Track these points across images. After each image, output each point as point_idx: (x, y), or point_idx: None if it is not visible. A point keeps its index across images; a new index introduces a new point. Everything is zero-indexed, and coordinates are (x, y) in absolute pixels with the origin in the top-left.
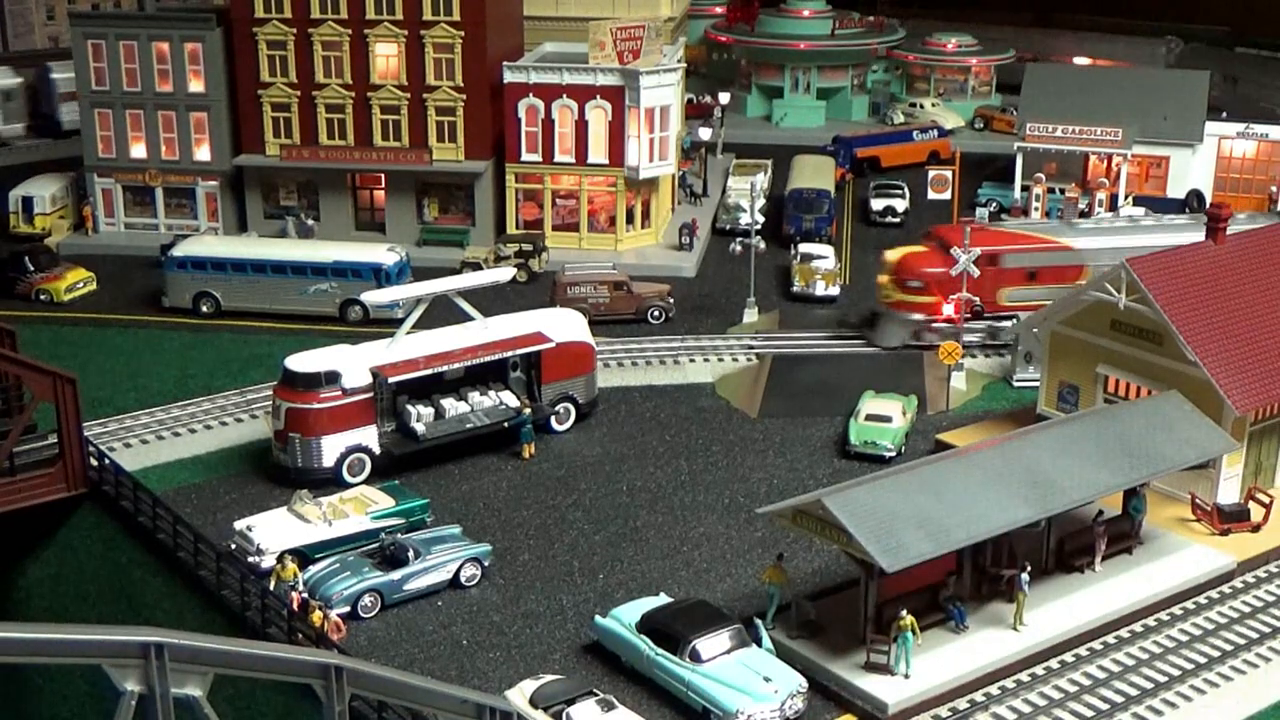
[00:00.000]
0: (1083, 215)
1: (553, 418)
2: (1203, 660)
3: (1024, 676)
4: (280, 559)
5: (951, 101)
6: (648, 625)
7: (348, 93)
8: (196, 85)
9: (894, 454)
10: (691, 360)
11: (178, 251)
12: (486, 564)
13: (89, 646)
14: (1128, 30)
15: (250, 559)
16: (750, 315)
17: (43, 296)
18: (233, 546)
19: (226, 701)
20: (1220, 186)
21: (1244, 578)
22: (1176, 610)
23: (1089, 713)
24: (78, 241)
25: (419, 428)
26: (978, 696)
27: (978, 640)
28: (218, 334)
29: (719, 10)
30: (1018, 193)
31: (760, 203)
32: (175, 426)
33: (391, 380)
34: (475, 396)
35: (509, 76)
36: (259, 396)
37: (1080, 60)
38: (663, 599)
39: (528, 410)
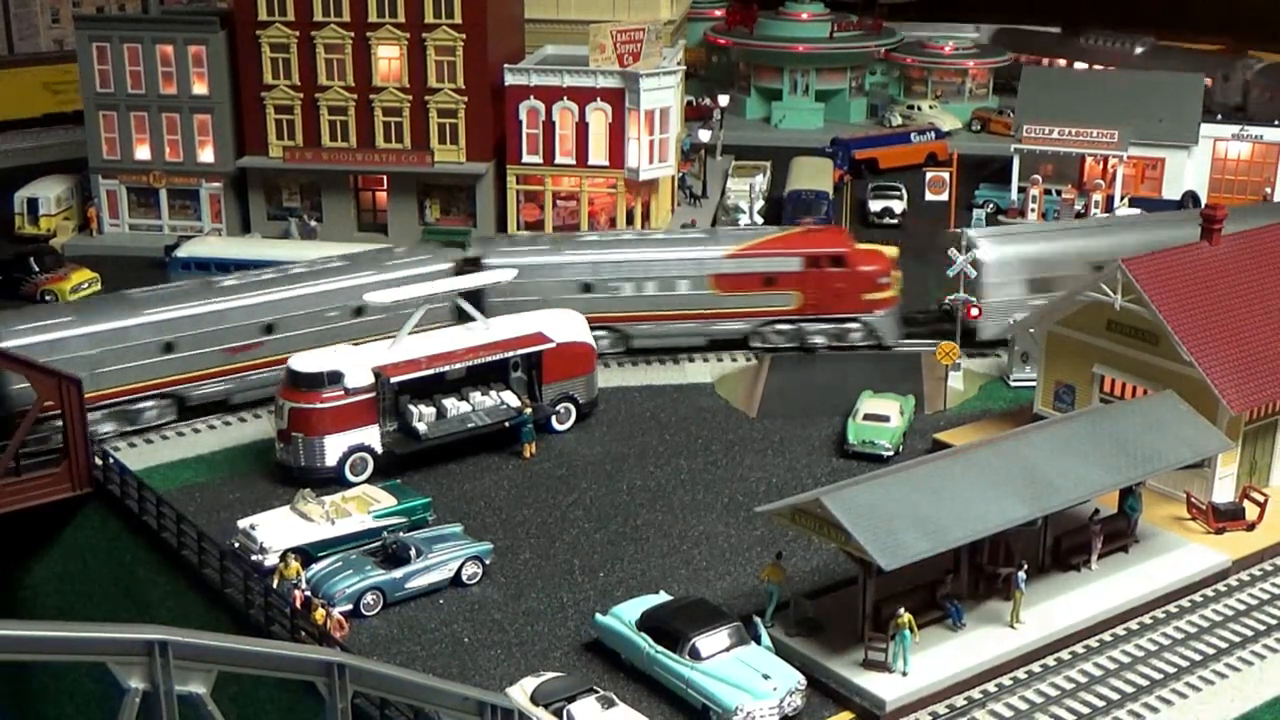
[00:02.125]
0: (1079, 216)
1: (553, 417)
2: (1198, 658)
3: (1021, 674)
4: (283, 557)
5: (949, 103)
6: (648, 623)
7: (350, 95)
8: (200, 87)
9: (892, 453)
10: (691, 360)
11: (182, 252)
12: (488, 562)
13: (94, 644)
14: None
15: (254, 557)
16: None
17: (48, 297)
18: (236, 545)
19: (230, 699)
20: (1215, 188)
21: (1239, 576)
22: (1172, 608)
23: (1085, 710)
24: (82, 242)
25: (421, 427)
26: (975, 694)
27: (975, 638)
28: None
29: (718, 13)
30: (1014, 194)
31: (759, 204)
32: (179, 426)
33: (394, 380)
34: (477, 396)
35: (510, 79)
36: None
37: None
38: (662, 597)
39: (529, 410)
